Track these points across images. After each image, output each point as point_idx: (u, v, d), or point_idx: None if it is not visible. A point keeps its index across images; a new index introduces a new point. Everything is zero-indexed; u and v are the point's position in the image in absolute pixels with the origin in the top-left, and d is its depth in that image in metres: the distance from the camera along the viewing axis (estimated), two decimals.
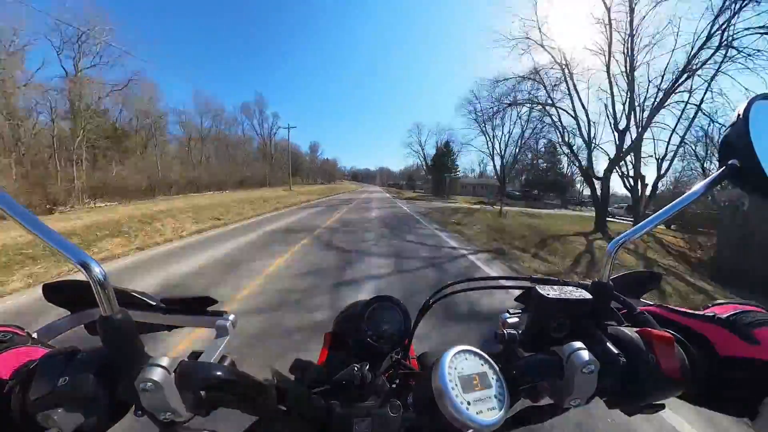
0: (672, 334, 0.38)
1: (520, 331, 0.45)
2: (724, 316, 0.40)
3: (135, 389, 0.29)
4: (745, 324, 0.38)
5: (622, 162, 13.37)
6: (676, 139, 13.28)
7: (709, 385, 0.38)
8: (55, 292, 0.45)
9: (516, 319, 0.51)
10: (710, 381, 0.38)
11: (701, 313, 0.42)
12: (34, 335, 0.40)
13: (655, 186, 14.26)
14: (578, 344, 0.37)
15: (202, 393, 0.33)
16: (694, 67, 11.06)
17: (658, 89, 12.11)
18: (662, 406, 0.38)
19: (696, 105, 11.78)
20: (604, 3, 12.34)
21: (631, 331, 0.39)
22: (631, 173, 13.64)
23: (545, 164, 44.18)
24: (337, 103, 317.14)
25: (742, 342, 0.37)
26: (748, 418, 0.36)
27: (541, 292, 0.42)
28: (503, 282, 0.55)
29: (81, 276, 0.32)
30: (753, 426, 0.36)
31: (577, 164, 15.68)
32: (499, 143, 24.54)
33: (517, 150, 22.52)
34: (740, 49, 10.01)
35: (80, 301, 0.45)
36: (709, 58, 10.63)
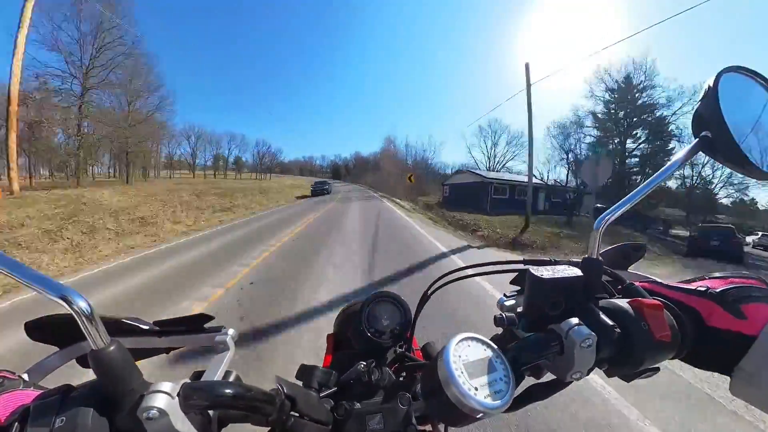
0: (661, 301, 0.40)
1: (518, 313, 0.46)
2: (718, 290, 0.41)
3: (138, 419, 0.28)
4: (737, 299, 0.39)
5: None
6: None
7: (695, 347, 0.40)
8: (38, 330, 0.42)
9: (513, 302, 0.52)
10: (696, 344, 0.40)
11: (692, 287, 0.44)
12: (25, 377, 0.37)
13: None
14: (575, 320, 0.38)
15: (211, 413, 0.32)
16: None
17: None
18: (657, 369, 0.40)
19: None
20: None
21: (622, 302, 0.40)
22: None
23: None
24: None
25: (729, 316, 0.39)
26: (728, 376, 0.39)
27: (535, 273, 0.43)
28: (497, 267, 0.56)
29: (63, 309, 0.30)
30: (729, 386, 0.38)
31: None
32: None
33: None
34: None
35: (67, 335, 0.42)
36: None
